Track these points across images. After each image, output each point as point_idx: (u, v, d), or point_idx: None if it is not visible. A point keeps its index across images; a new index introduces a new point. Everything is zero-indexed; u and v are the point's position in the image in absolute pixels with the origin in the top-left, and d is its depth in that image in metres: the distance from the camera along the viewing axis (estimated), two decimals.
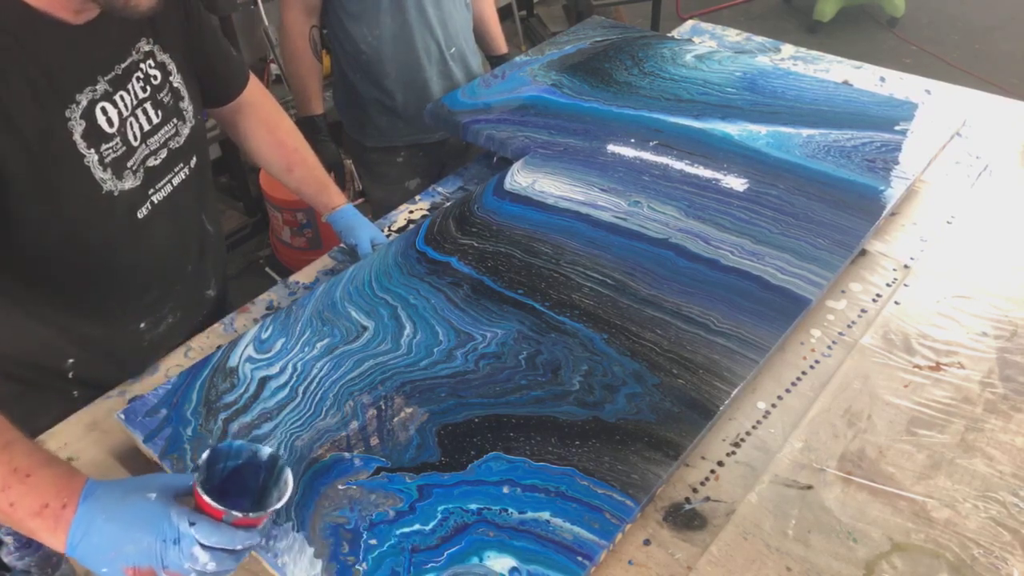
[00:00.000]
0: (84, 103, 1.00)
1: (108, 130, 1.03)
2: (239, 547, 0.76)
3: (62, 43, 0.97)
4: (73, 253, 1.06)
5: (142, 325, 1.19)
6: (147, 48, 1.10)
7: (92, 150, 1.02)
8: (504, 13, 3.97)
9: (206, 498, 0.75)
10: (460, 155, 2.02)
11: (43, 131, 0.96)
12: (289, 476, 0.81)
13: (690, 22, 2.16)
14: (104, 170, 1.04)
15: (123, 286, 1.15)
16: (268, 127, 1.39)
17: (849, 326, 1.19)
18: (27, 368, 1.15)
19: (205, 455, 0.79)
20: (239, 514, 0.76)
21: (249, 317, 1.29)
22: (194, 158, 1.20)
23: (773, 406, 1.07)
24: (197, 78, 1.22)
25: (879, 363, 1.12)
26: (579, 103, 1.63)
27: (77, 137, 1.00)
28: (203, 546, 0.75)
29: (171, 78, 1.14)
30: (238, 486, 0.82)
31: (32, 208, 0.98)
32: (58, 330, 1.13)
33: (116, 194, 1.06)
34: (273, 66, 3.02)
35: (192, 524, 0.74)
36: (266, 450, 0.84)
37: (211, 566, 0.75)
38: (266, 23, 2.87)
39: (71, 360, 1.16)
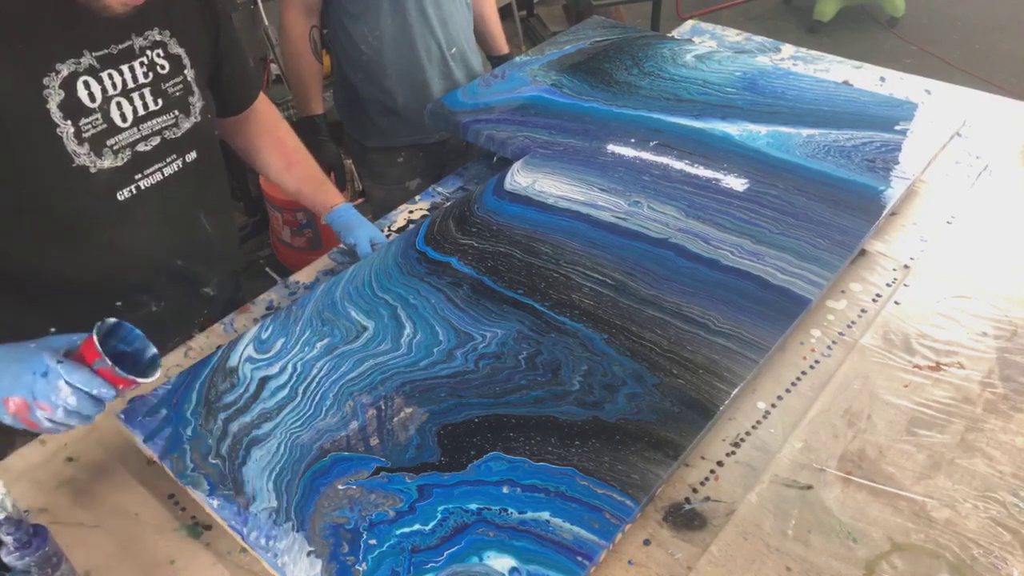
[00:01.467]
0: (65, 73, 1.02)
1: (88, 105, 1.05)
2: (94, 392, 0.87)
3: (49, 12, 0.99)
4: (40, 221, 1.08)
5: (118, 304, 1.20)
6: (158, 37, 1.11)
7: (68, 122, 1.03)
8: (504, 13, 3.97)
9: (94, 337, 0.87)
10: (460, 155, 2.02)
11: (13, 93, 0.98)
12: (158, 371, 0.93)
13: (690, 22, 2.16)
14: (79, 144, 1.05)
15: (97, 263, 1.16)
16: (268, 128, 1.40)
17: (849, 326, 1.19)
18: (12, 337, 1.17)
19: (112, 320, 0.92)
20: (108, 364, 0.87)
21: (249, 317, 1.29)
22: (192, 154, 1.21)
23: (773, 406, 1.07)
24: (213, 83, 1.23)
25: (879, 363, 1.12)
26: (579, 103, 1.63)
27: (52, 106, 1.01)
28: (67, 383, 0.86)
29: (185, 72, 1.16)
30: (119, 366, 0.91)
31: None
32: (36, 301, 1.16)
33: (93, 171, 1.07)
34: (273, 66, 3.02)
35: (60, 363, 0.87)
36: (153, 350, 0.95)
37: (72, 400, 0.87)
38: (266, 23, 2.87)
39: (52, 330, 1.18)
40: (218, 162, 1.30)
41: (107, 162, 1.09)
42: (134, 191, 1.13)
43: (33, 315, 1.17)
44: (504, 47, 2.11)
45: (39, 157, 1.03)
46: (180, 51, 1.15)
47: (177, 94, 1.15)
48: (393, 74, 1.83)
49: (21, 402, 0.88)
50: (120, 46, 1.07)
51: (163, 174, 1.17)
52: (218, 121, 1.35)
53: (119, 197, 1.12)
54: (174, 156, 1.18)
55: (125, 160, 1.11)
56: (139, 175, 1.13)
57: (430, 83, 1.87)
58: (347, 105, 1.95)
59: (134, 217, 1.15)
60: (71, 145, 1.04)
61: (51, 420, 0.89)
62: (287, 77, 1.97)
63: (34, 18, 0.98)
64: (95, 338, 0.88)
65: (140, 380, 0.91)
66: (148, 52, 1.10)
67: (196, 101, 1.18)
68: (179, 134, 1.17)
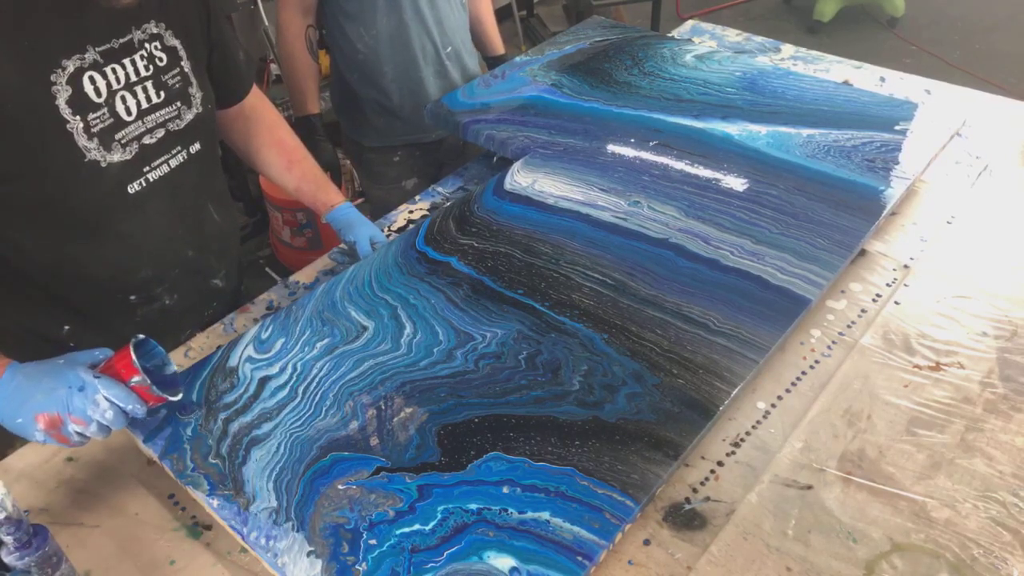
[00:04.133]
0: (71, 69, 1.02)
1: (95, 100, 1.05)
2: (128, 408, 0.91)
3: (53, 9, 1.00)
4: (56, 217, 1.09)
5: (132, 298, 1.21)
6: (154, 30, 1.12)
7: (77, 117, 1.04)
8: (504, 13, 3.97)
9: (132, 353, 0.91)
10: (458, 155, 2.02)
11: (22, 91, 0.98)
12: (182, 389, 0.99)
13: (690, 22, 2.16)
14: (89, 139, 1.06)
15: (111, 257, 1.17)
16: (268, 127, 1.40)
17: (849, 326, 1.19)
18: (28, 336, 1.19)
19: (141, 336, 0.95)
20: (147, 383, 0.91)
21: (249, 317, 1.29)
22: (196, 145, 1.22)
23: (773, 406, 1.07)
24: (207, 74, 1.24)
25: (879, 363, 1.12)
26: (579, 103, 1.63)
27: (61, 102, 1.02)
28: (105, 398, 0.89)
29: (182, 63, 1.16)
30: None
31: (6, 161, 1.00)
32: (50, 297, 1.16)
33: (103, 165, 1.08)
34: (273, 66, 3.03)
35: (97, 377, 0.90)
36: (173, 367, 1.00)
37: (109, 415, 0.90)
38: (266, 23, 2.88)
39: (67, 327, 1.19)
40: (217, 153, 1.31)
41: (116, 156, 1.09)
42: (143, 184, 1.14)
43: (49, 313, 1.18)
44: (500, 48, 2.11)
45: (52, 153, 1.03)
46: (176, 43, 1.15)
47: (177, 86, 1.16)
48: (389, 73, 1.83)
49: (56, 417, 0.89)
50: (121, 40, 1.08)
51: (170, 166, 1.18)
52: (216, 117, 1.36)
53: (130, 190, 1.13)
54: (179, 148, 1.19)
55: (133, 153, 1.11)
56: (147, 168, 1.14)
57: (426, 82, 1.87)
58: (344, 105, 1.95)
59: (145, 210, 1.16)
60: (81, 140, 1.05)
61: (81, 434, 0.91)
62: (284, 77, 1.98)
63: (37, 15, 0.99)
64: (133, 355, 0.91)
65: (170, 398, 0.95)
66: (146, 45, 1.11)
67: (195, 92, 1.19)
68: (182, 126, 1.18)
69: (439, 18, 1.84)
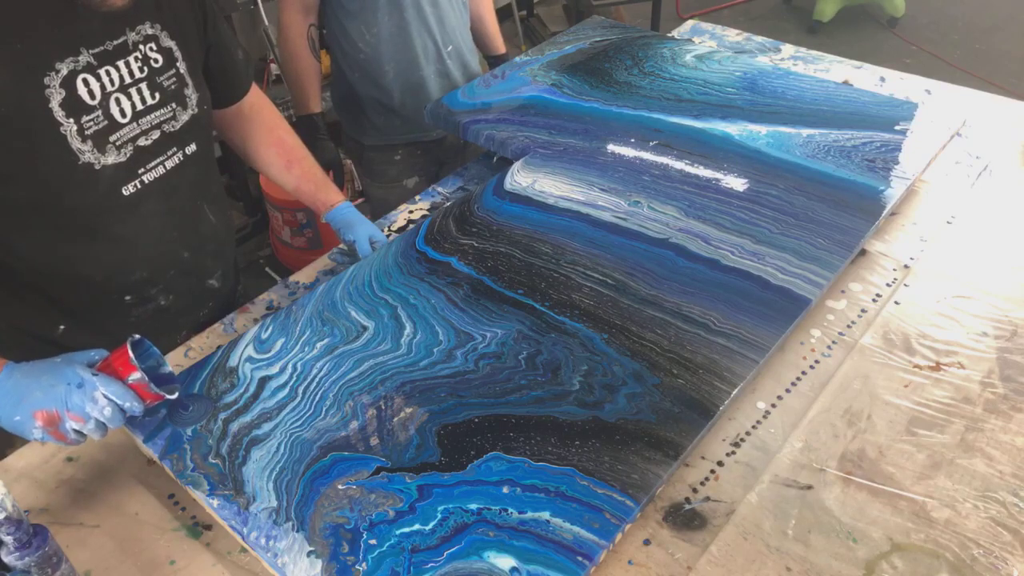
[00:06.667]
0: (64, 72, 1.02)
1: (89, 102, 1.05)
2: (125, 405, 0.91)
3: (46, 12, 1.00)
4: (50, 219, 1.09)
5: (127, 299, 1.21)
6: (150, 31, 1.12)
7: (71, 120, 1.04)
8: (504, 13, 3.97)
9: (130, 351, 0.91)
10: (458, 153, 2.02)
11: (15, 93, 0.98)
12: (179, 388, 0.99)
13: (690, 22, 2.16)
14: (83, 141, 1.05)
15: (106, 259, 1.17)
16: (267, 127, 1.40)
17: (849, 326, 1.19)
18: (23, 336, 1.19)
19: (137, 336, 0.96)
20: (145, 380, 0.91)
21: (249, 317, 1.29)
22: (192, 146, 1.21)
23: (773, 406, 1.07)
24: (204, 74, 1.23)
25: (879, 363, 1.12)
26: (579, 103, 1.63)
27: (54, 105, 1.02)
28: (104, 394, 0.90)
29: (177, 64, 1.16)
30: None
31: (2, 164, 1.01)
32: (46, 298, 1.17)
33: (98, 167, 1.08)
34: (273, 66, 3.03)
35: (95, 375, 0.91)
36: (168, 367, 1.00)
37: (107, 411, 0.90)
38: (266, 23, 2.87)
39: (62, 327, 1.19)
40: (213, 153, 1.31)
41: (111, 158, 1.09)
42: (138, 185, 1.14)
43: (44, 314, 1.18)
44: (501, 47, 2.11)
45: (45, 156, 1.03)
46: (171, 44, 1.15)
47: (172, 87, 1.16)
48: (390, 72, 1.83)
49: (54, 414, 0.90)
50: (115, 42, 1.07)
51: (165, 167, 1.17)
52: (216, 117, 1.36)
53: (124, 192, 1.13)
54: (174, 149, 1.18)
55: (128, 155, 1.11)
56: (142, 169, 1.14)
57: (427, 81, 1.87)
58: (345, 103, 1.95)
59: (140, 211, 1.16)
60: (75, 143, 1.05)
61: (79, 432, 0.91)
62: (285, 76, 1.98)
63: (30, 17, 0.99)
64: (131, 353, 0.91)
65: (168, 396, 0.96)
66: (141, 47, 1.11)
67: (191, 93, 1.19)
68: (177, 127, 1.18)
69: (440, 17, 1.84)
